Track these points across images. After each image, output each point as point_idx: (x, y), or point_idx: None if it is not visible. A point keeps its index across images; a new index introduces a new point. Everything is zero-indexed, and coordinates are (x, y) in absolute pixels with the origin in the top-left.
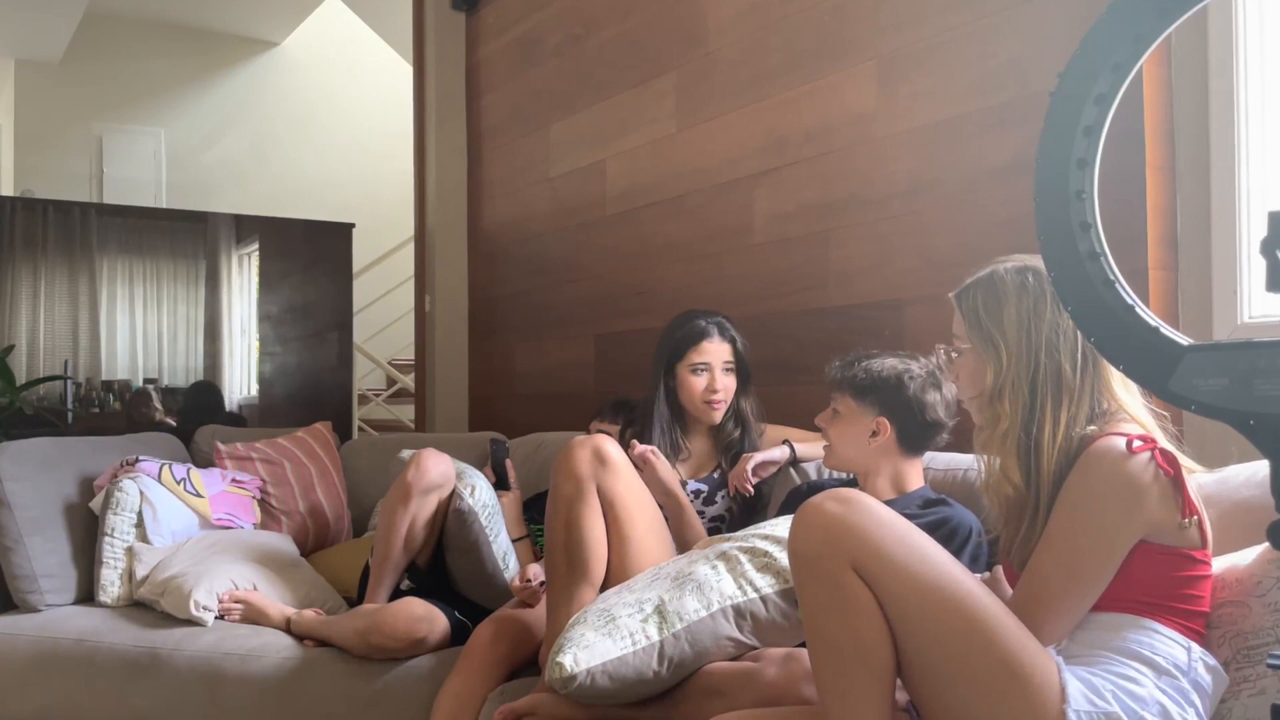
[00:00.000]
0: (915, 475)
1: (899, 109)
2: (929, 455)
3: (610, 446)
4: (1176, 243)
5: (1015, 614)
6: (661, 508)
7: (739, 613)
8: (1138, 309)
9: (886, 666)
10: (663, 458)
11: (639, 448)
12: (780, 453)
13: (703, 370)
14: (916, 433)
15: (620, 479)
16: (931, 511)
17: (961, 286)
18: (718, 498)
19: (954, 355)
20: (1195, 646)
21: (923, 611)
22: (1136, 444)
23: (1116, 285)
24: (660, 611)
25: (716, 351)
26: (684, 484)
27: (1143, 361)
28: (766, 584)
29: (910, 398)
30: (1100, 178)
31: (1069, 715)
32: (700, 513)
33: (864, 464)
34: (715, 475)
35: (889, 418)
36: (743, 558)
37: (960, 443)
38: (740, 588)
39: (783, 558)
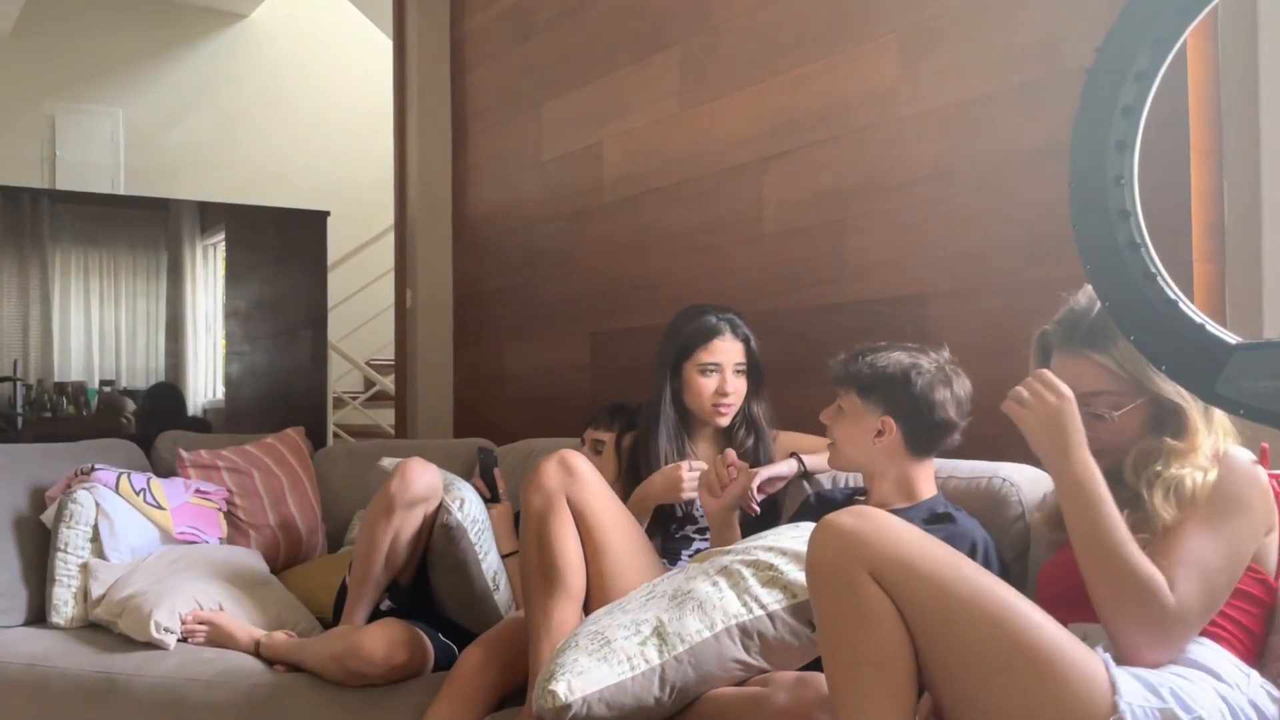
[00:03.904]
0: (926, 480)
1: (921, 87)
2: (952, 464)
3: (578, 460)
4: (1223, 232)
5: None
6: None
7: (745, 632)
8: (1181, 304)
9: (907, 677)
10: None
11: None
12: (788, 467)
13: (713, 371)
14: (924, 433)
15: (590, 490)
16: (936, 529)
17: (1075, 329)
18: None
19: (1114, 415)
20: (1255, 674)
21: (945, 615)
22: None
23: (1158, 278)
24: (659, 633)
25: (728, 351)
26: None
27: (1187, 361)
28: (773, 600)
29: (917, 395)
30: (1141, 161)
31: (1120, 706)
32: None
33: (869, 466)
34: None
35: (895, 417)
36: (745, 572)
37: (980, 450)
38: (745, 605)
39: (789, 570)
